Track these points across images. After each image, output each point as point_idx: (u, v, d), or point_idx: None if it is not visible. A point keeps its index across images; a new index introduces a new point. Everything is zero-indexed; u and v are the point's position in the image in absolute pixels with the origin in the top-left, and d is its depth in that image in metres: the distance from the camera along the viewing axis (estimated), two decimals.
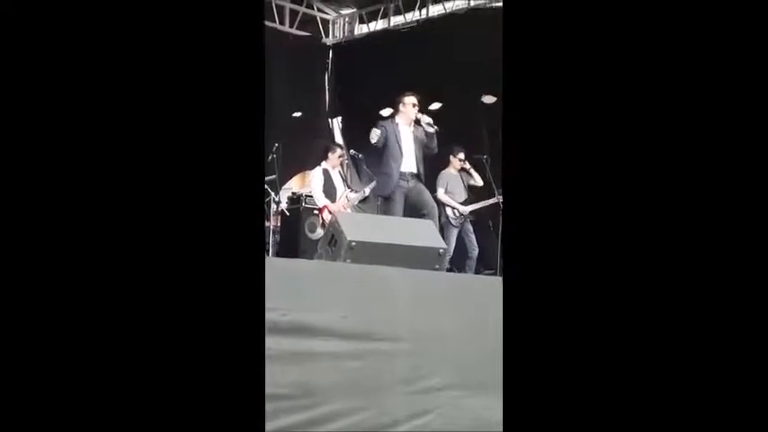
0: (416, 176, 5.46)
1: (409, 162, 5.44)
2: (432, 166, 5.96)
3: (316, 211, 6.94)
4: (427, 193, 5.54)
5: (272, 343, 2.38)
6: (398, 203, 5.36)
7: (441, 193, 6.55)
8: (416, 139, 5.47)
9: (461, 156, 6.64)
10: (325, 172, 6.82)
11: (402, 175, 5.40)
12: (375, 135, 5.39)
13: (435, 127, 5.39)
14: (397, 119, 5.54)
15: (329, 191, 6.72)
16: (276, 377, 2.17)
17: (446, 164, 6.65)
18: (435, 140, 5.46)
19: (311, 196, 7.10)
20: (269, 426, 2.20)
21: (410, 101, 5.49)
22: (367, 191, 6.67)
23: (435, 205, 5.62)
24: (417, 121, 5.46)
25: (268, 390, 2.12)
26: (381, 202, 5.64)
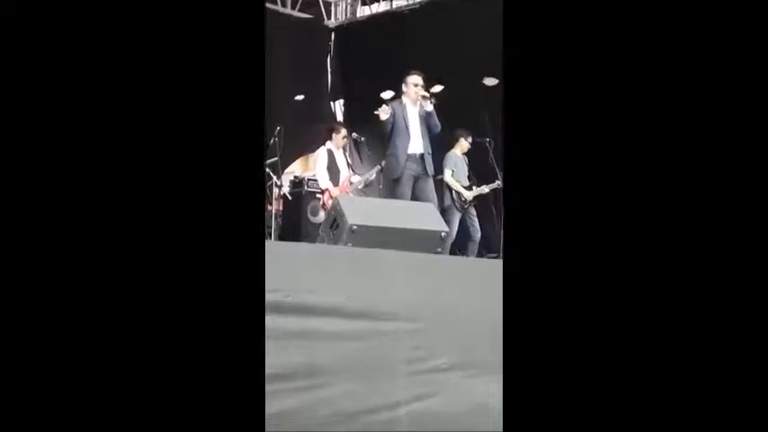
0: (422, 158, 5.45)
1: (416, 143, 5.45)
2: (438, 146, 5.95)
3: (318, 195, 6.94)
4: (432, 191, 5.54)
5: (274, 323, 2.40)
6: (407, 187, 5.36)
7: (447, 175, 6.55)
8: (422, 118, 5.49)
9: (470, 139, 6.65)
10: (330, 152, 6.80)
11: (409, 156, 5.41)
12: (385, 113, 5.40)
13: (434, 101, 5.42)
14: (404, 99, 5.55)
15: (333, 172, 6.71)
16: (278, 357, 2.18)
17: (452, 145, 6.65)
18: (435, 116, 5.47)
19: (313, 180, 7.10)
20: (272, 406, 2.22)
21: (413, 80, 5.50)
22: (373, 175, 6.66)
23: (436, 203, 5.59)
24: (423, 99, 5.48)
25: (270, 370, 2.14)
26: (390, 185, 5.63)
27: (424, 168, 5.46)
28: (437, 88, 6.62)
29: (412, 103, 5.50)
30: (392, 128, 5.42)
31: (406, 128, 5.43)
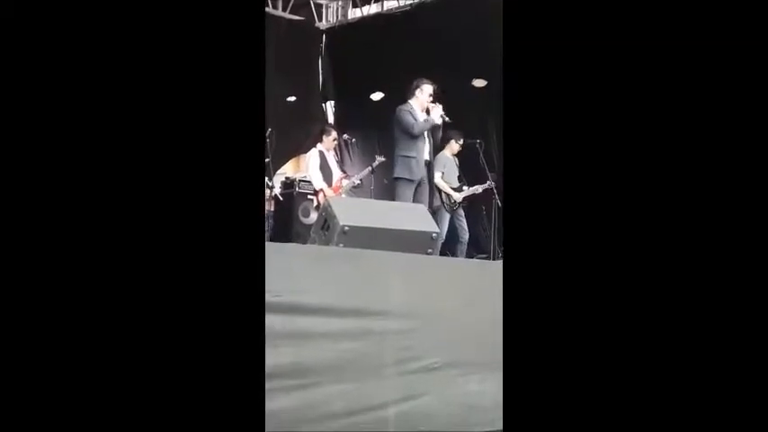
0: (428, 165, 5.57)
1: (427, 149, 5.54)
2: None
3: (310, 196, 6.95)
4: (427, 196, 5.62)
5: (265, 323, 2.41)
6: (410, 189, 5.44)
7: (437, 177, 6.56)
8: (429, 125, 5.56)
9: (461, 141, 6.68)
10: (321, 154, 6.82)
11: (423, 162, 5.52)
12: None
13: (446, 118, 5.51)
14: (412, 103, 5.56)
15: (325, 173, 6.73)
16: (269, 357, 2.20)
17: (442, 147, 6.68)
18: (441, 132, 5.62)
19: (305, 181, 7.11)
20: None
21: (428, 89, 5.54)
22: (358, 180, 6.69)
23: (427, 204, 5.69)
24: (428, 110, 5.54)
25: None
26: (391, 185, 5.69)
27: (429, 174, 5.57)
28: None
29: (420, 110, 5.54)
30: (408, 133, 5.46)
31: (422, 132, 5.49)
